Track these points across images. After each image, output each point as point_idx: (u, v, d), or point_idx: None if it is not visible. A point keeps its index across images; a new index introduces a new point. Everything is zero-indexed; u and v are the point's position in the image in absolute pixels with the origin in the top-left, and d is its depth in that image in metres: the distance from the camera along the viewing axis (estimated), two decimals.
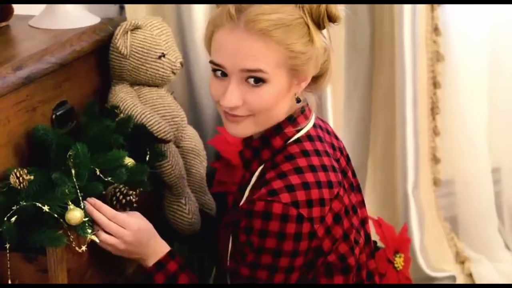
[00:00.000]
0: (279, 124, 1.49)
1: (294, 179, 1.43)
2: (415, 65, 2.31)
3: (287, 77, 1.44)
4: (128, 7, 2.06)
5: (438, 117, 2.44)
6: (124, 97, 1.71)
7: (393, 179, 2.43)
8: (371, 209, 2.43)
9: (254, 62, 1.40)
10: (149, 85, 1.76)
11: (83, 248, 1.46)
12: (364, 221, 1.62)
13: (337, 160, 1.56)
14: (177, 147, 1.80)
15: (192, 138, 1.85)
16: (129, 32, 1.71)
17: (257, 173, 1.51)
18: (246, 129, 1.48)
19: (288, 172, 1.44)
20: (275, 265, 1.43)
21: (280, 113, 1.47)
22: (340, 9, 1.44)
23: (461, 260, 2.47)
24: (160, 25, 1.74)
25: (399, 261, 1.94)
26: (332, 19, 1.44)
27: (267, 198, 1.40)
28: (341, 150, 1.61)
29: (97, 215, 1.48)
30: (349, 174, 1.59)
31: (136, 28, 1.71)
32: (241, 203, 1.50)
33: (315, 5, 1.42)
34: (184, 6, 2.06)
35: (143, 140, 1.67)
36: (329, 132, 1.61)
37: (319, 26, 1.44)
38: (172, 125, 1.75)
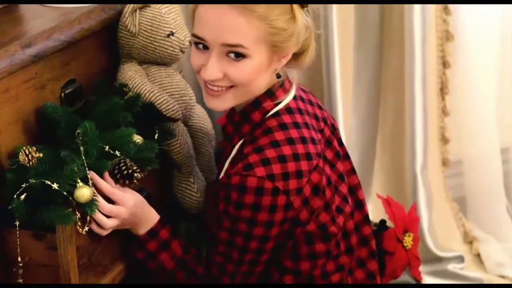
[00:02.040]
0: (257, 99, 1.52)
1: (270, 153, 1.46)
2: (424, 45, 2.30)
3: (268, 52, 1.46)
4: None
5: (447, 97, 2.43)
6: (133, 75, 1.71)
7: (402, 159, 2.42)
8: (380, 189, 2.44)
9: (235, 37, 1.43)
10: (158, 64, 1.75)
11: (86, 229, 1.46)
12: (355, 188, 1.65)
13: (321, 131, 1.58)
14: (186, 126, 1.80)
15: (200, 117, 1.85)
16: (137, 10, 1.70)
17: (236, 147, 1.54)
18: (225, 102, 1.51)
19: (264, 146, 1.47)
20: (250, 233, 1.48)
21: (259, 86, 1.50)
22: None
23: (469, 240, 2.47)
24: (169, 4, 1.74)
25: (408, 240, 1.94)
26: None
27: (243, 173, 1.44)
28: (325, 119, 1.63)
29: (101, 201, 1.48)
30: (335, 143, 1.61)
31: (145, 6, 1.71)
32: (220, 176, 1.55)
33: None
34: None
35: (152, 119, 1.67)
36: (312, 102, 1.63)
37: (302, 5, 1.46)
38: (181, 103, 1.75)
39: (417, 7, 2.25)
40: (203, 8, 1.45)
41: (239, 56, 1.44)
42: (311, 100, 1.63)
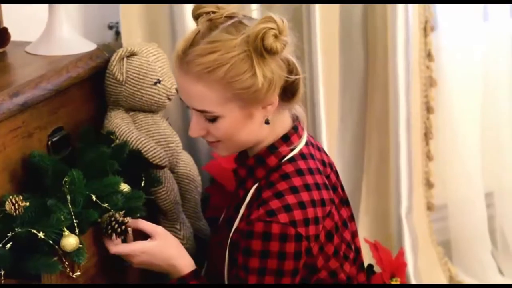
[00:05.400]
0: (274, 144, 1.53)
1: (291, 199, 1.46)
2: (408, 90, 2.33)
3: (241, 108, 1.47)
4: (123, 33, 2.08)
5: (432, 142, 2.45)
6: (120, 123, 1.72)
7: (387, 203, 2.43)
8: (365, 232, 2.44)
9: (198, 104, 1.47)
10: (145, 111, 1.77)
11: (77, 273, 1.46)
12: (354, 235, 1.65)
13: (328, 176, 1.59)
14: (172, 172, 1.81)
15: (187, 163, 1.85)
16: (125, 59, 1.72)
17: (252, 191, 1.53)
18: (222, 151, 1.56)
19: (284, 192, 1.47)
20: (279, 284, 1.45)
21: (249, 136, 1.52)
22: (281, 40, 1.41)
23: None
24: (156, 52, 1.76)
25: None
26: (268, 51, 1.42)
27: (266, 219, 1.44)
28: (331, 165, 1.64)
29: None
30: (339, 189, 1.62)
31: (132, 54, 1.72)
32: (237, 222, 1.53)
33: (253, 37, 1.41)
34: (179, 33, 2.08)
35: (139, 166, 1.68)
36: (319, 148, 1.64)
37: (264, 57, 1.43)
38: (167, 151, 1.76)
39: (400, 53, 2.28)
40: (176, 75, 1.51)
41: (211, 117, 1.48)
42: (318, 146, 1.64)
